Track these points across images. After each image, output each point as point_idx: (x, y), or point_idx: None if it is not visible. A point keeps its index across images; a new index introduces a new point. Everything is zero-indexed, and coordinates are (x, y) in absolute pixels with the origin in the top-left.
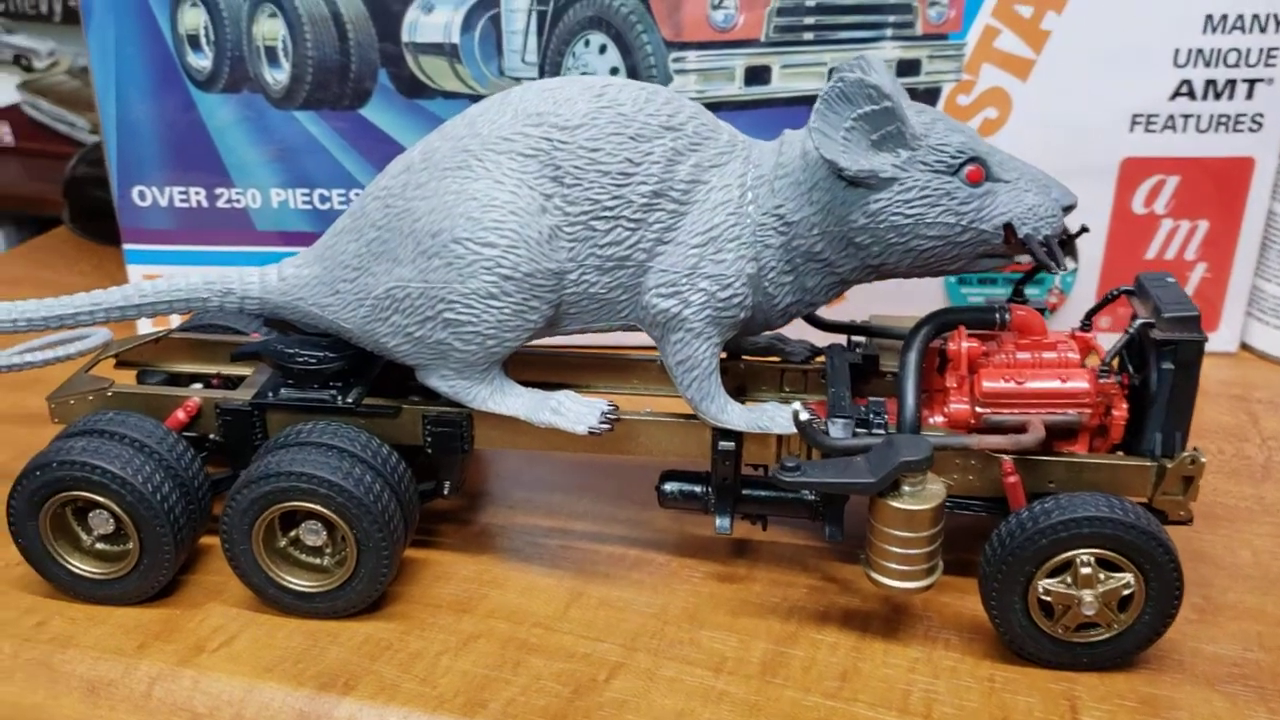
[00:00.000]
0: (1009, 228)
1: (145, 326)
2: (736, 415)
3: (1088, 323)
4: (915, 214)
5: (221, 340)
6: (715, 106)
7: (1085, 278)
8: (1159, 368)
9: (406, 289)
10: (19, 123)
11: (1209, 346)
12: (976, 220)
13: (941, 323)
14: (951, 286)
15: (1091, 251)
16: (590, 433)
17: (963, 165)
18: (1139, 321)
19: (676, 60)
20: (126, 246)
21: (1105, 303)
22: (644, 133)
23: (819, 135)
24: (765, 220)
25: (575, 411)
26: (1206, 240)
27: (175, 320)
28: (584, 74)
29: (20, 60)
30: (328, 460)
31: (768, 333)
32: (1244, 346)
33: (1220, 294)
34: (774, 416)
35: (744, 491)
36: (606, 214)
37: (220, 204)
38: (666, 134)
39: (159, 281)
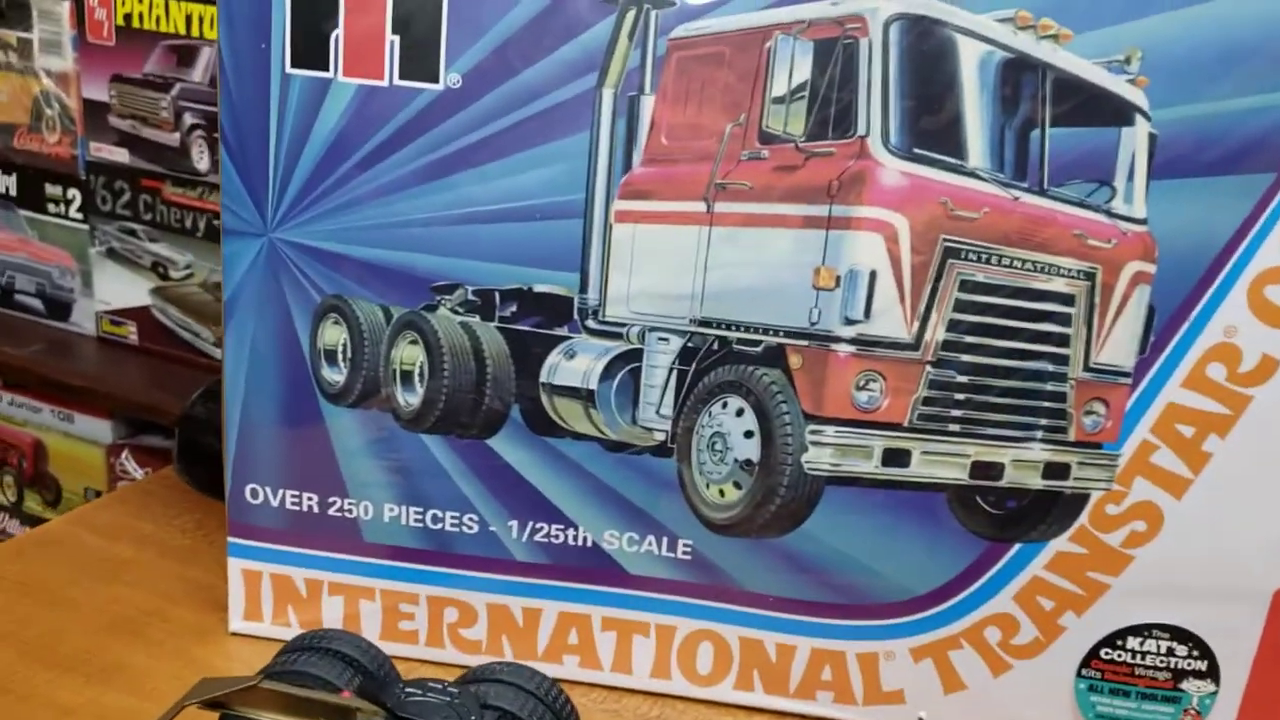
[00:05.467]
0: None
1: (236, 619)
2: None
3: None
4: None
5: (309, 697)
6: (849, 481)
7: (1225, 703)
8: None
9: None
10: (146, 324)
11: None
12: None
13: None
14: (1081, 695)
15: (1235, 677)
16: None
17: None
18: None
19: (814, 432)
20: (231, 540)
21: None
22: None
23: None
24: None
25: None
26: None
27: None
28: (716, 432)
29: (158, 267)
30: None
31: None
32: None
33: None
34: None
35: None
36: None
37: (331, 511)
38: None
39: None
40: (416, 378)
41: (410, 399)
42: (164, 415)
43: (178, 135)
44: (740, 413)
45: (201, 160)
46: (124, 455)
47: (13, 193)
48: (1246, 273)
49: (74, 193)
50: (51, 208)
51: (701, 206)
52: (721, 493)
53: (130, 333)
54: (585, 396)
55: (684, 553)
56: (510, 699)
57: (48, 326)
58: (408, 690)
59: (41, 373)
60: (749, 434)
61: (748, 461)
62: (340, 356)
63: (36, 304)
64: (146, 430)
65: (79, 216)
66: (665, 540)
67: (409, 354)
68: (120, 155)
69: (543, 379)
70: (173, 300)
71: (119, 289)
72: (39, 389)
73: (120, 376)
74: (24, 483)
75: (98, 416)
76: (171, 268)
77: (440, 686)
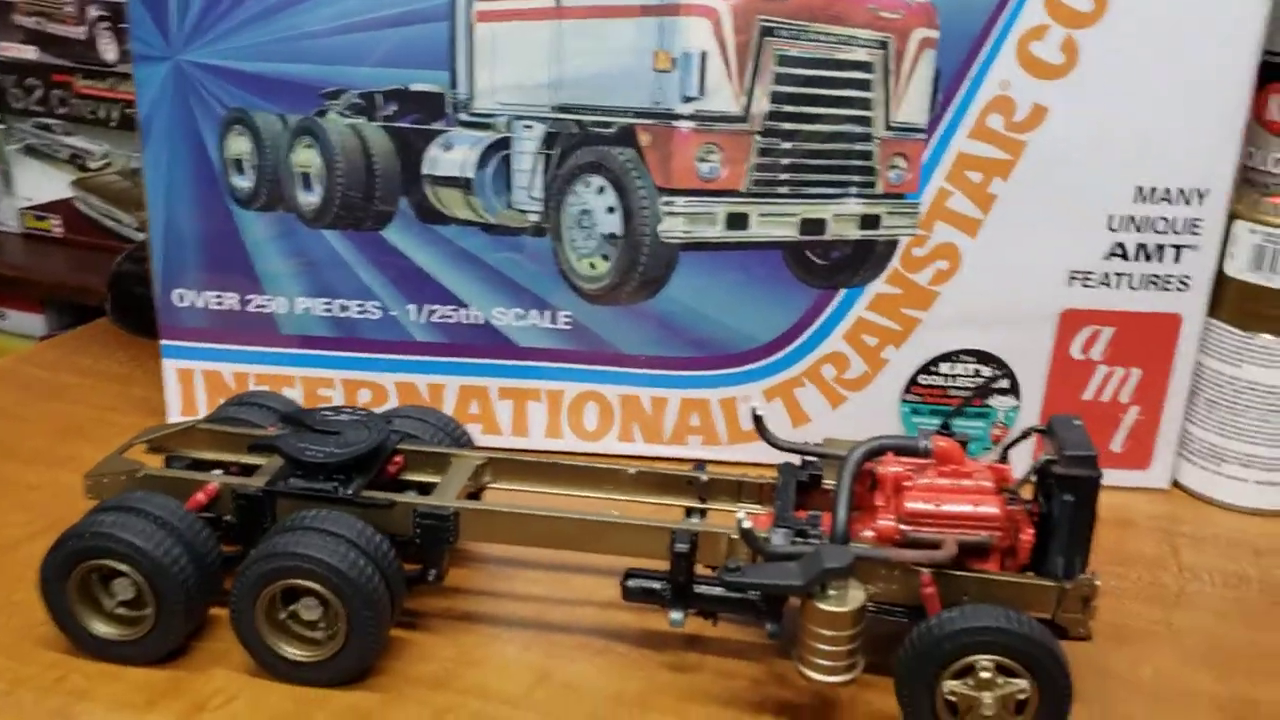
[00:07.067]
0: None
1: (174, 416)
2: None
3: (1004, 456)
4: None
5: (240, 433)
6: (699, 246)
7: (1027, 415)
8: (1060, 499)
9: None
10: (69, 216)
11: (1143, 483)
12: None
13: (874, 448)
14: (905, 417)
15: (1033, 391)
16: None
17: None
18: (1044, 458)
19: (666, 204)
20: (164, 342)
21: (1019, 439)
22: None
23: None
24: None
25: None
26: (1139, 386)
27: (203, 411)
28: (582, 210)
29: (76, 160)
30: (327, 544)
31: None
32: (1176, 485)
33: (1152, 435)
34: None
35: (697, 590)
36: None
37: (250, 308)
38: None
39: None
40: (315, 178)
41: (310, 198)
42: (93, 298)
43: (84, 28)
44: (601, 190)
45: (109, 51)
46: None
47: None
48: (1013, 32)
49: None
50: None
51: (551, 2)
52: (592, 265)
53: (54, 226)
54: (464, 185)
55: (565, 323)
56: (413, 427)
57: None
58: (323, 413)
59: None
60: (611, 209)
61: (612, 235)
62: (247, 164)
63: None
64: (78, 321)
65: None
66: (547, 313)
67: (305, 157)
68: (29, 52)
69: (425, 171)
70: (93, 190)
71: (40, 184)
72: None
73: (48, 268)
74: None
75: (30, 311)
76: (89, 159)
77: (352, 409)
